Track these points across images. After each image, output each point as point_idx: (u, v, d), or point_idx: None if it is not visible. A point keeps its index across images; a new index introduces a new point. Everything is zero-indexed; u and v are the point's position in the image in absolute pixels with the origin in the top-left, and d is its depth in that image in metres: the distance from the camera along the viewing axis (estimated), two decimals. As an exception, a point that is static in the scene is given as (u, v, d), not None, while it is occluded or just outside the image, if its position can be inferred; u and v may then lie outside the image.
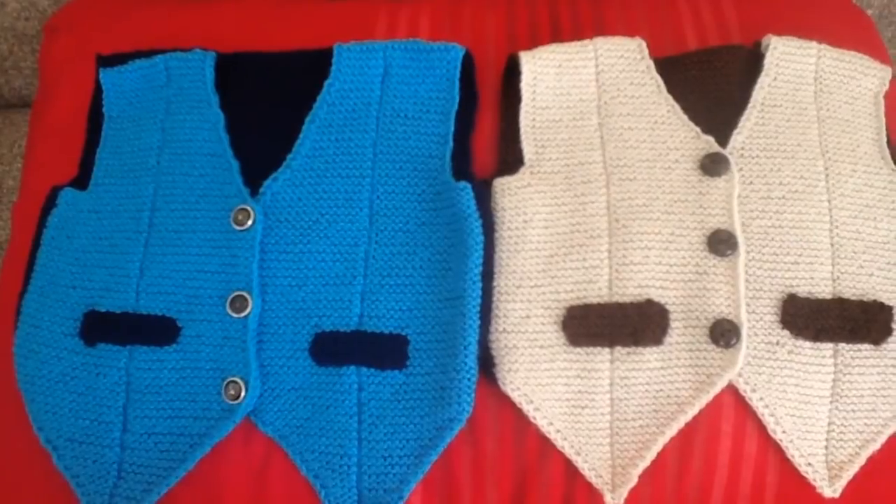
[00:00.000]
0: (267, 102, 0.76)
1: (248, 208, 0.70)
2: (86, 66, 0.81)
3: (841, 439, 0.66)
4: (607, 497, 0.65)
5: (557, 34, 0.80)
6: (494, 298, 0.68)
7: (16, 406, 0.69)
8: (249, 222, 0.69)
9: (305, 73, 0.76)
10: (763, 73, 0.73)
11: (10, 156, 1.02)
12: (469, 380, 0.65)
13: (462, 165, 0.72)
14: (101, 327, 0.69)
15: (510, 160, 0.73)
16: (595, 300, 0.67)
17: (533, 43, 0.79)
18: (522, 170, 0.72)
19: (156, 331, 0.68)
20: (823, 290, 0.67)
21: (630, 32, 0.78)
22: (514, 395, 0.66)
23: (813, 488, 0.66)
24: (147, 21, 0.85)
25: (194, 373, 0.68)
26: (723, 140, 0.71)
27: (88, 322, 0.69)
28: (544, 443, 0.67)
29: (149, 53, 0.78)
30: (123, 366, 0.68)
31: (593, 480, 0.66)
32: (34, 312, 0.70)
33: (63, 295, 0.70)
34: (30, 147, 0.84)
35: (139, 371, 0.68)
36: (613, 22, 0.81)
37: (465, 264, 0.66)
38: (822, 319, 0.66)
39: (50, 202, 0.74)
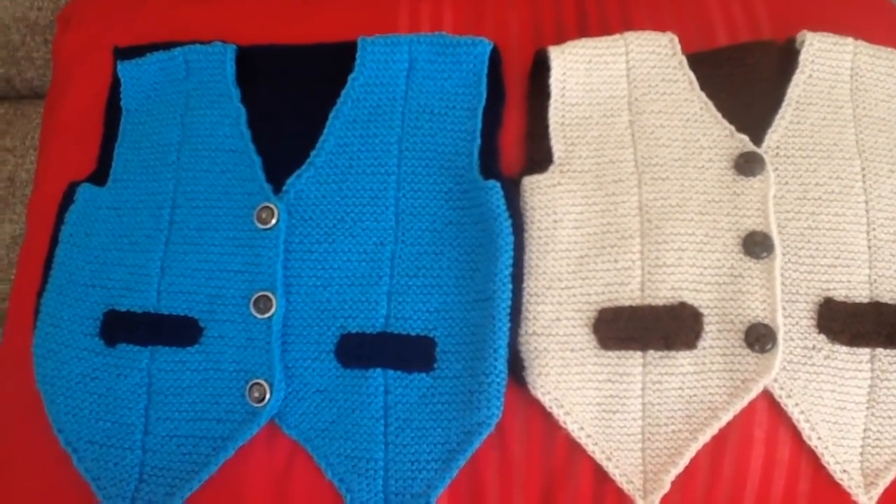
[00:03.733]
0: (289, 97, 0.74)
1: (272, 206, 0.68)
2: (101, 57, 0.80)
3: (877, 446, 0.65)
4: (638, 503, 0.64)
5: (584, 29, 0.78)
6: (524, 300, 0.67)
7: (35, 407, 0.68)
8: (273, 221, 0.68)
9: (329, 66, 0.74)
10: (798, 70, 0.72)
11: (23, 148, 1.00)
12: (498, 383, 0.64)
13: (490, 163, 0.70)
14: (122, 327, 0.68)
15: (539, 158, 0.71)
16: (627, 302, 0.66)
17: (559, 38, 0.77)
18: (552, 168, 0.70)
19: (178, 331, 0.67)
20: (860, 294, 0.66)
21: (658, 26, 0.76)
22: (545, 400, 0.65)
23: (847, 496, 0.65)
24: (163, 12, 0.83)
25: (217, 374, 0.66)
26: (757, 139, 0.69)
27: (108, 322, 0.68)
28: (574, 448, 0.65)
29: (167, 46, 0.77)
30: (145, 367, 0.67)
31: (624, 487, 0.64)
32: (53, 312, 0.69)
33: (82, 294, 0.69)
34: (44, 140, 0.83)
35: (161, 372, 0.67)
36: (641, 16, 0.79)
37: (494, 265, 0.65)
38: (858, 324, 0.65)
39: (68, 198, 0.73)
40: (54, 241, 0.72)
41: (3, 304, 0.94)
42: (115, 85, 0.77)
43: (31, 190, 0.82)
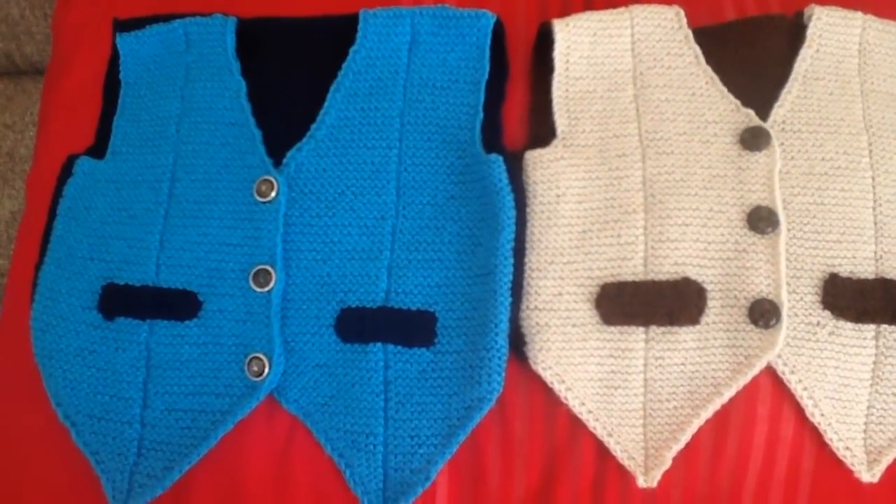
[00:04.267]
0: (290, 70, 0.73)
1: (272, 179, 0.68)
2: (101, 31, 0.79)
3: (881, 423, 0.64)
4: (640, 480, 0.63)
5: (589, 2, 0.77)
6: (526, 275, 0.66)
7: (34, 381, 0.67)
8: (273, 194, 0.67)
9: (330, 39, 0.73)
10: (805, 45, 0.71)
11: (23, 124, 1.00)
12: (499, 358, 0.63)
13: (492, 137, 0.69)
14: (121, 301, 0.67)
15: (542, 132, 0.70)
16: (630, 278, 0.65)
17: (564, 11, 0.76)
18: (555, 142, 0.69)
19: (176, 305, 0.67)
20: (866, 270, 0.65)
21: (664, 0, 0.75)
22: (546, 375, 0.64)
23: (850, 473, 0.64)
24: (164, -15, 0.82)
25: (216, 348, 0.66)
26: (763, 113, 0.68)
27: (107, 295, 0.68)
28: (575, 423, 0.65)
29: (167, 18, 0.76)
30: (143, 340, 0.66)
31: (625, 462, 0.64)
32: (51, 285, 0.69)
33: (80, 267, 0.69)
34: (44, 115, 0.82)
35: (159, 346, 0.66)
36: (647, -11, 0.78)
37: (496, 239, 0.64)
38: (864, 300, 0.64)
39: (66, 171, 0.72)
40: (52, 215, 0.71)
41: (2, 279, 0.93)
42: (115, 58, 0.76)
43: (31, 165, 0.81)
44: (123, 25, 0.76)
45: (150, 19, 0.76)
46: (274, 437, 0.66)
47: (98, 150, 0.73)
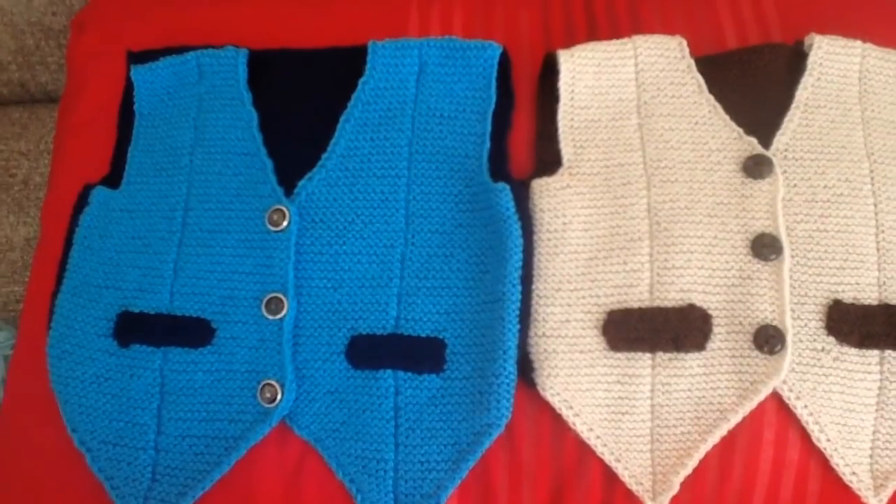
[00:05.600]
0: (301, 100, 0.75)
1: (283, 209, 0.69)
2: (114, 61, 0.81)
3: (887, 448, 0.65)
4: (647, 505, 0.64)
5: (594, 32, 0.79)
6: (533, 302, 0.67)
7: (50, 407, 0.69)
8: (285, 223, 0.69)
9: (340, 70, 0.75)
10: (807, 73, 0.72)
11: (37, 151, 1.01)
12: (508, 385, 0.64)
13: (499, 166, 0.71)
14: (135, 328, 0.68)
15: (548, 161, 0.71)
16: (636, 304, 0.66)
17: (568, 41, 0.77)
18: (561, 171, 0.70)
19: (190, 332, 0.68)
20: (869, 296, 0.66)
21: (668, 30, 0.76)
22: (554, 401, 0.65)
23: (857, 498, 0.65)
24: (175, 17, 0.84)
25: (229, 375, 0.67)
26: (766, 141, 0.70)
27: (122, 323, 0.69)
28: (583, 449, 0.66)
29: (180, 50, 0.77)
30: (158, 367, 0.67)
31: (634, 488, 0.65)
32: (67, 313, 0.70)
33: (96, 295, 0.70)
34: (58, 144, 0.83)
35: (173, 373, 0.67)
36: (650, 19, 0.79)
37: (504, 267, 0.65)
38: (867, 325, 0.65)
39: (82, 201, 0.74)
40: (68, 244, 0.73)
41: (17, 305, 0.94)
42: (129, 89, 0.78)
43: (45, 193, 0.82)
44: (138, 58, 0.78)
45: (163, 51, 0.78)
46: (285, 462, 0.66)
47: (113, 179, 0.75)
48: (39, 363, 0.70)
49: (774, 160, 0.68)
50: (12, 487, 0.70)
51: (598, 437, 0.65)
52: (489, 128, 0.71)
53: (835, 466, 0.64)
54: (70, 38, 0.88)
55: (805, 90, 0.72)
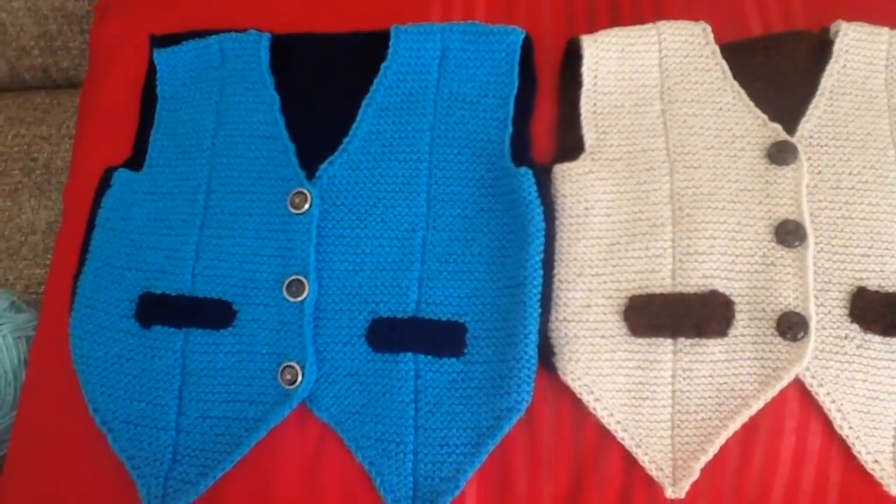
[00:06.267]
0: (323, 84, 0.75)
1: (305, 192, 0.69)
2: (137, 46, 0.81)
3: (909, 436, 0.64)
4: (668, 490, 0.64)
5: (617, 17, 0.78)
6: (555, 286, 0.67)
7: (72, 387, 0.69)
8: (306, 206, 0.69)
9: (362, 54, 0.75)
10: (832, 60, 0.71)
11: (59, 136, 1.02)
12: (528, 369, 0.64)
13: (521, 151, 0.70)
14: (157, 310, 0.69)
15: (570, 146, 0.71)
16: (658, 290, 0.66)
17: (591, 26, 0.77)
18: (583, 156, 0.70)
19: (212, 314, 0.68)
20: (894, 284, 0.65)
21: (691, 15, 0.76)
22: (575, 386, 0.65)
23: (878, 486, 0.64)
24: (198, 2, 0.84)
25: (250, 357, 0.67)
26: (790, 128, 0.69)
27: (144, 304, 0.69)
28: (603, 434, 0.66)
29: (203, 34, 0.77)
30: (179, 348, 0.68)
31: (654, 473, 0.64)
32: (90, 294, 0.70)
33: (118, 277, 0.70)
34: (80, 127, 0.84)
35: (195, 354, 0.68)
36: (674, 5, 0.79)
37: (525, 251, 0.65)
38: (892, 313, 0.64)
39: (104, 183, 0.74)
40: (90, 226, 0.73)
41: (39, 288, 0.95)
42: (151, 72, 0.78)
43: (67, 176, 0.83)
44: (160, 41, 0.78)
45: (186, 35, 0.78)
46: (305, 444, 0.67)
47: (135, 162, 0.75)
48: (62, 344, 0.71)
49: (799, 147, 0.67)
50: (35, 467, 0.70)
51: (618, 423, 0.65)
52: (511, 112, 0.71)
53: (857, 454, 0.64)
54: (93, 22, 0.89)
55: (830, 77, 0.71)
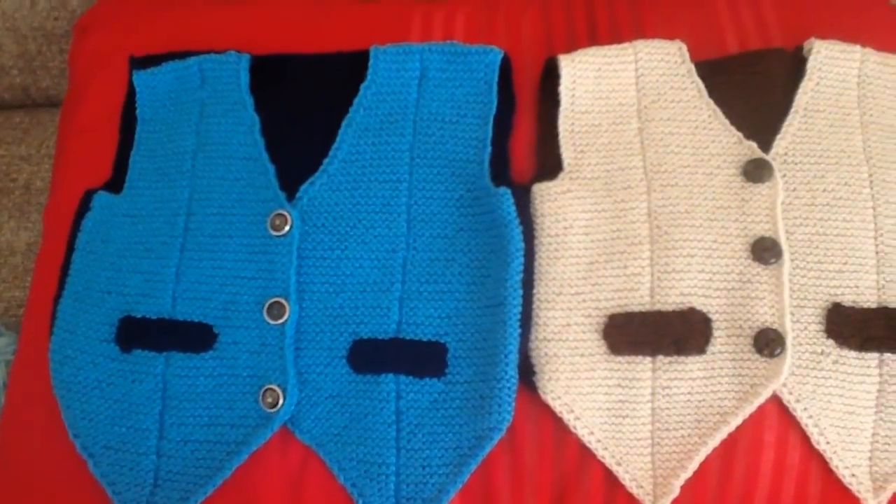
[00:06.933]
0: (302, 105, 0.75)
1: (285, 213, 0.69)
2: (116, 66, 0.81)
3: (886, 450, 0.65)
4: (649, 508, 0.64)
5: (595, 36, 0.79)
6: (534, 306, 0.67)
7: (52, 413, 0.69)
8: (287, 227, 0.69)
9: (341, 75, 0.75)
10: (806, 78, 0.72)
11: (38, 156, 1.01)
12: (509, 388, 0.64)
13: (500, 170, 0.71)
14: (137, 333, 0.69)
15: (549, 165, 0.72)
16: (637, 308, 0.66)
17: (570, 45, 0.78)
18: (562, 175, 0.71)
19: (192, 337, 0.68)
20: (868, 300, 0.66)
21: (669, 34, 0.77)
22: (555, 404, 0.65)
23: (857, 500, 0.65)
24: (177, 21, 0.84)
25: (231, 380, 0.67)
26: (765, 146, 0.70)
27: (124, 328, 0.69)
28: (584, 452, 0.66)
29: (182, 55, 0.77)
30: (160, 372, 0.68)
31: (634, 491, 0.65)
32: (69, 318, 0.70)
33: (98, 300, 0.70)
34: (60, 148, 0.84)
35: (176, 378, 0.67)
36: (651, 23, 0.80)
37: (505, 271, 0.66)
38: (867, 329, 0.65)
39: (84, 206, 0.74)
40: (70, 248, 0.73)
41: (19, 311, 0.95)
42: (131, 94, 0.78)
43: (47, 197, 0.83)
44: (140, 63, 0.78)
45: (165, 56, 0.78)
46: (288, 467, 0.67)
47: (115, 184, 0.75)
48: (41, 368, 0.70)
49: (774, 164, 0.68)
50: (14, 493, 0.70)
51: (598, 441, 0.65)
52: (490, 132, 0.72)
53: (834, 469, 0.65)
54: (72, 42, 0.89)
55: (804, 95, 0.72)
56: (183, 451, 0.66)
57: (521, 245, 0.66)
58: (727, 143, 0.70)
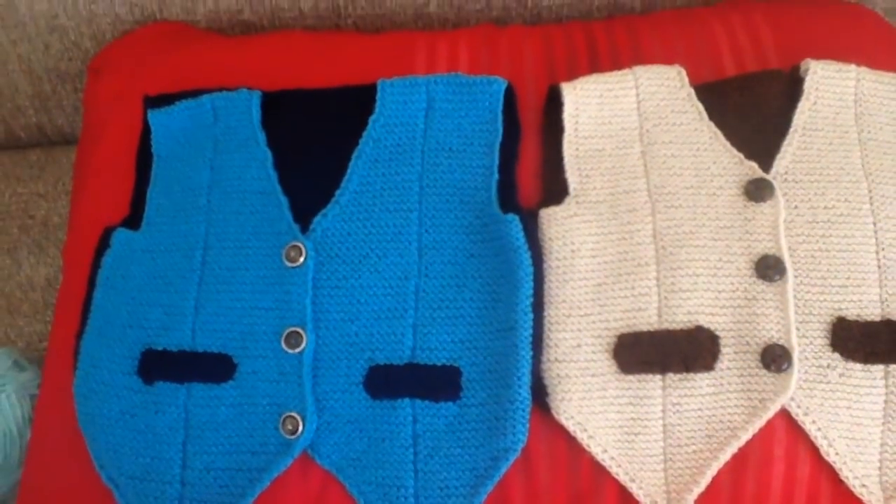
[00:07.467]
0: (313, 139, 0.77)
1: (300, 245, 0.71)
2: (131, 105, 0.83)
3: (894, 460, 0.66)
4: (663, 523, 0.66)
5: (595, 62, 0.81)
6: (545, 328, 0.69)
7: (77, 444, 0.70)
8: (301, 259, 0.71)
9: (350, 108, 0.77)
10: (803, 98, 0.74)
11: (55, 193, 1.04)
12: (523, 410, 0.66)
13: (508, 197, 0.73)
14: (159, 365, 0.70)
15: (555, 190, 0.73)
16: (645, 328, 0.68)
17: (571, 72, 0.80)
18: (568, 199, 0.72)
19: (212, 368, 0.70)
20: (872, 313, 0.68)
21: (667, 58, 0.79)
22: (568, 424, 0.67)
23: (868, 510, 0.66)
24: (189, 60, 0.86)
25: (251, 408, 0.69)
26: (766, 165, 0.72)
27: (146, 360, 0.71)
28: (598, 470, 0.67)
29: (195, 93, 0.80)
30: (182, 403, 0.69)
31: (649, 507, 0.66)
32: (92, 353, 0.72)
33: (120, 334, 0.72)
34: (77, 186, 0.85)
35: (197, 408, 0.69)
36: (649, 48, 0.82)
37: (515, 295, 0.67)
38: (872, 342, 0.67)
39: (104, 243, 0.76)
40: (91, 285, 0.75)
41: (41, 344, 0.96)
42: (146, 132, 0.80)
43: (65, 234, 0.84)
44: (154, 102, 0.80)
45: (178, 95, 0.80)
46: (309, 491, 0.68)
47: (133, 221, 0.77)
48: (65, 401, 0.72)
49: (775, 183, 0.70)
50: (43, 524, 0.71)
51: (612, 458, 0.66)
52: (497, 160, 0.73)
53: (844, 480, 0.66)
54: (86, 83, 0.91)
55: (802, 114, 0.74)
56: (206, 479, 0.68)
57: (531, 269, 0.68)
58: (728, 163, 0.72)
